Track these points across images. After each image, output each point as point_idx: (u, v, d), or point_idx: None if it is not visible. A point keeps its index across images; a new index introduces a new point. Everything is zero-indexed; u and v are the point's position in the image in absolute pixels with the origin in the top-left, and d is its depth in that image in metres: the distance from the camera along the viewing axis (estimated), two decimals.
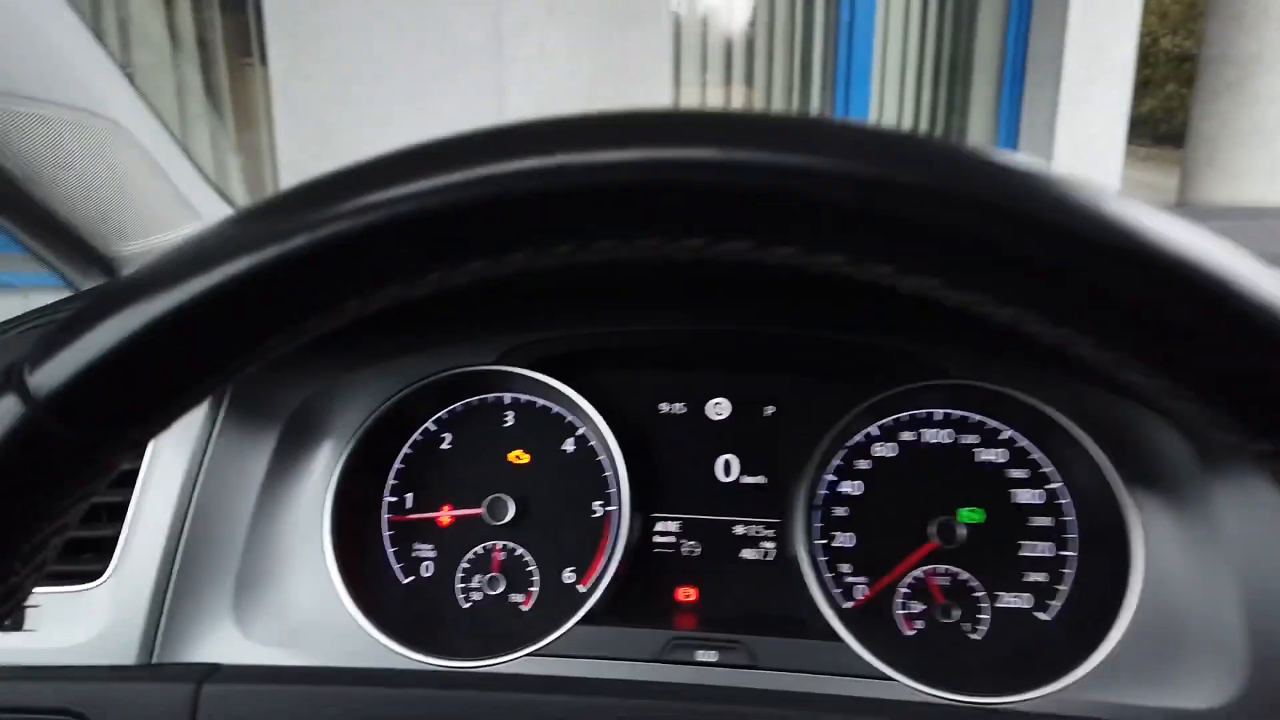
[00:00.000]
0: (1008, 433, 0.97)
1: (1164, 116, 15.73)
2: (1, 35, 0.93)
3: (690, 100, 6.27)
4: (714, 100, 6.37)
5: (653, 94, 5.60)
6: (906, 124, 6.31)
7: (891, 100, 6.17)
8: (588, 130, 0.31)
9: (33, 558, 0.37)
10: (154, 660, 0.89)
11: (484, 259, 0.33)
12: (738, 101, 6.35)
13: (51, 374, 0.32)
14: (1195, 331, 0.29)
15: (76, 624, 0.89)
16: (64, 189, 1.08)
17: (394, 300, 0.34)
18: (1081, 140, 5.81)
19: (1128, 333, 0.31)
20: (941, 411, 0.99)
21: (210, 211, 1.37)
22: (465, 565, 1.03)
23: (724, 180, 0.30)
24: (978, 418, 0.98)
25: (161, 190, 1.26)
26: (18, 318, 1.04)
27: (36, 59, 0.99)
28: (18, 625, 0.37)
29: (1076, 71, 5.59)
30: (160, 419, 0.35)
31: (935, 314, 0.94)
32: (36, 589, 0.38)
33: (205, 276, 0.31)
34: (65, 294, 1.30)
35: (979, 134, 6.33)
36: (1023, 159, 0.30)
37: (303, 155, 5.54)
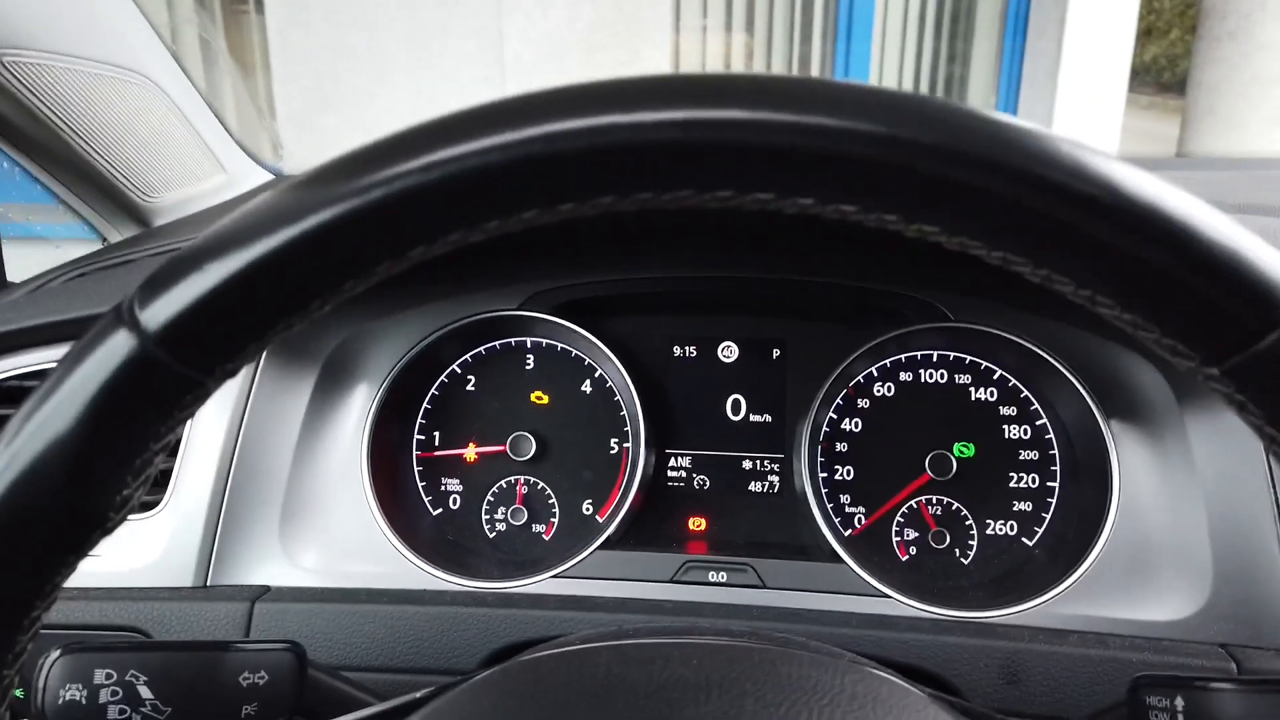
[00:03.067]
0: (999, 372, 1.04)
1: (1167, 64, 15.54)
2: None
3: (690, 48, 6.22)
4: (713, 47, 6.31)
5: (652, 41, 5.56)
6: (909, 73, 6.27)
7: (893, 50, 6.13)
8: (634, 92, 0.36)
9: (142, 473, 0.42)
10: (209, 583, 0.96)
11: (539, 208, 0.38)
12: (737, 49, 6.29)
13: (160, 311, 0.36)
14: (1152, 268, 0.35)
15: (137, 551, 0.96)
16: (101, 142, 1.13)
17: (455, 246, 0.39)
18: (1083, 89, 5.78)
19: (1096, 272, 0.36)
20: (938, 353, 1.05)
21: (234, 165, 1.42)
22: (490, 498, 1.10)
23: (751, 138, 0.35)
24: (971, 358, 1.04)
25: (190, 144, 1.31)
26: (77, 260, 1.09)
27: (77, 17, 1.03)
28: (98, 541, 0.43)
29: (1078, 20, 5.54)
30: (251, 351, 0.40)
31: (934, 261, 1.00)
32: None
33: (296, 225, 0.36)
34: (96, 245, 1.35)
35: (981, 84, 6.30)
36: (1015, 120, 0.36)
37: (300, 104, 5.51)
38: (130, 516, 0.96)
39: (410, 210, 0.36)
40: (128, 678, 0.64)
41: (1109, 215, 0.34)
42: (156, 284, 0.38)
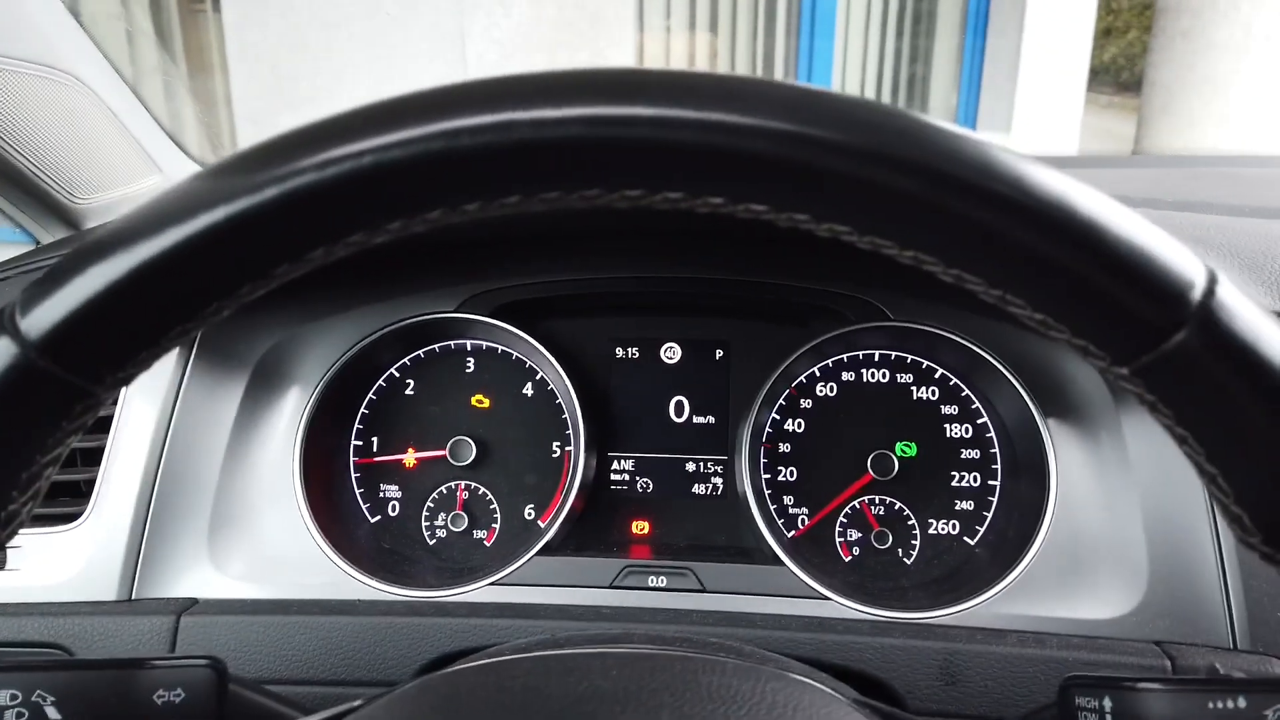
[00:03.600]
0: (940, 371, 1.03)
1: (1125, 64, 15.79)
2: None
3: (653, 47, 6.22)
4: (677, 46, 6.32)
5: (615, 41, 5.55)
6: (871, 72, 6.31)
7: (855, 49, 6.17)
8: (540, 88, 0.35)
9: (29, 487, 0.40)
10: (133, 596, 0.93)
11: (443, 208, 0.36)
12: (701, 48, 6.30)
13: (42, 317, 0.35)
14: (1060, 268, 0.34)
15: (58, 564, 0.93)
16: (27, 142, 1.10)
17: (358, 248, 0.38)
18: (1043, 88, 5.86)
19: (1006, 272, 0.36)
20: (880, 352, 1.05)
21: (169, 164, 1.39)
22: (430, 504, 1.08)
23: (657, 135, 0.34)
24: (913, 358, 1.04)
25: (122, 143, 1.27)
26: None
27: (3, 18, 1.00)
28: (0, 564, 0.40)
29: (1037, 20, 5.61)
30: (144, 358, 0.38)
31: (874, 262, 1.00)
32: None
33: (185, 226, 0.34)
34: (28, 247, 1.31)
35: (942, 83, 6.36)
36: (924, 118, 0.35)
37: (259, 104, 5.44)
38: (51, 528, 0.93)
39: (306, 210, 0.35)
40: (34, 698, 0.62)
41: (1016, 214, 0.34)
42: (39, 290, 0.36)
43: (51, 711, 0.61)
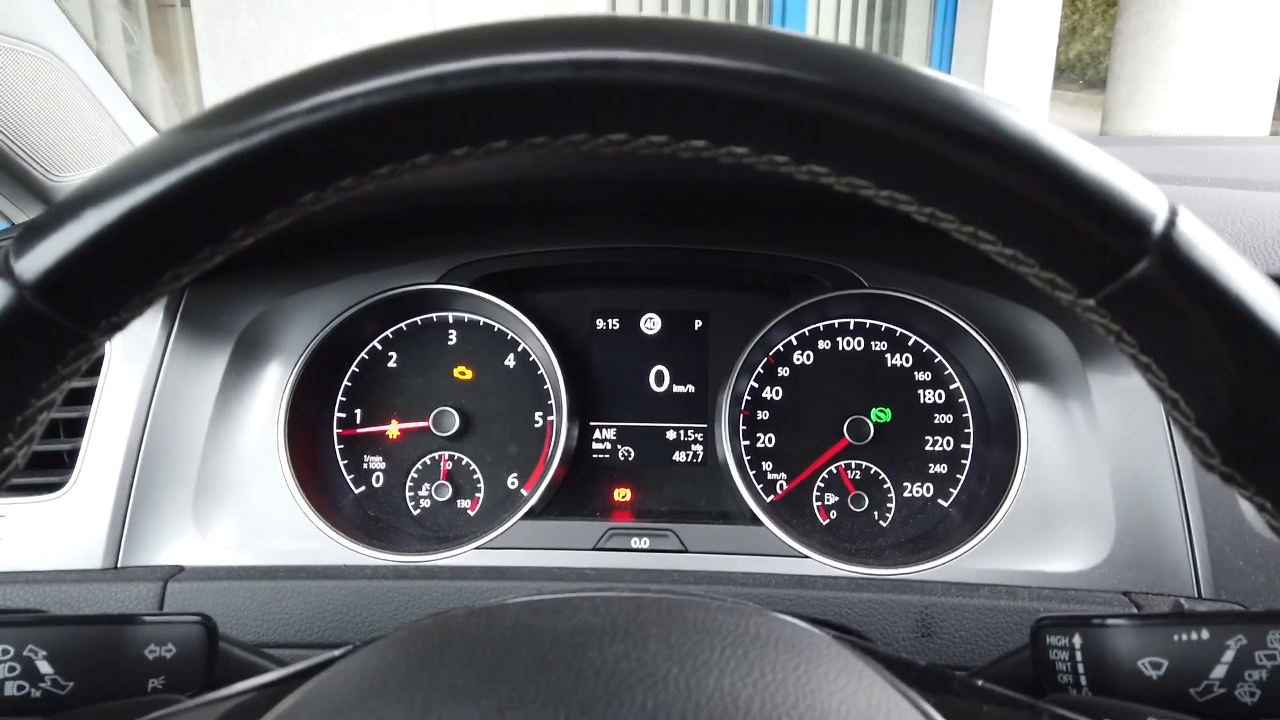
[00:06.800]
0: (914, 339, 1.06)
1: (1091, 61, 16.02)
2: None
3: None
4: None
5: (587, 7, 5.56)
6: None
7: (826, 37, 6.23)
8: (526, 33, 0.36)
9: (24, 431, 0.41)
10: (119, 565, 0.93)
11: (431, 153, 0.37)
12: None
13: (37, 260, 0.35)
14: (1028, 201, 0.36)
15: (43, 532, 0.93)
16: (4, 118, 1.09)
17: (349, 194, 0.38)
18: (1010, 82, 5.93)
19: (977, 208, 0.37)
20: (855, 320, 1.07)
21: (142, 140, 1.38)
22: (414, 475, 1.09)
23: (646, 78, 0.35)
24: (887, 325, 1.07)
25: (98, 121, 1.27)
26: None
27: None
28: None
29: (1003, 16, 5.68)
30: (137, 303, 0.39)
31: (849, 231, 1.02)
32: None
33: (178, 169, 0.35)
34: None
35: None
36: (896, 61, 0.36)
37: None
38: (35, 497, 0.92)
39: (295, 154, 0.35)
40: (26, 652, 0.62)
41: (989, 151, 0.35)
42: (33, 233, 0.36)
43: (43, 665, 0.62)
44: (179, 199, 0.36)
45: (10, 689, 0.61)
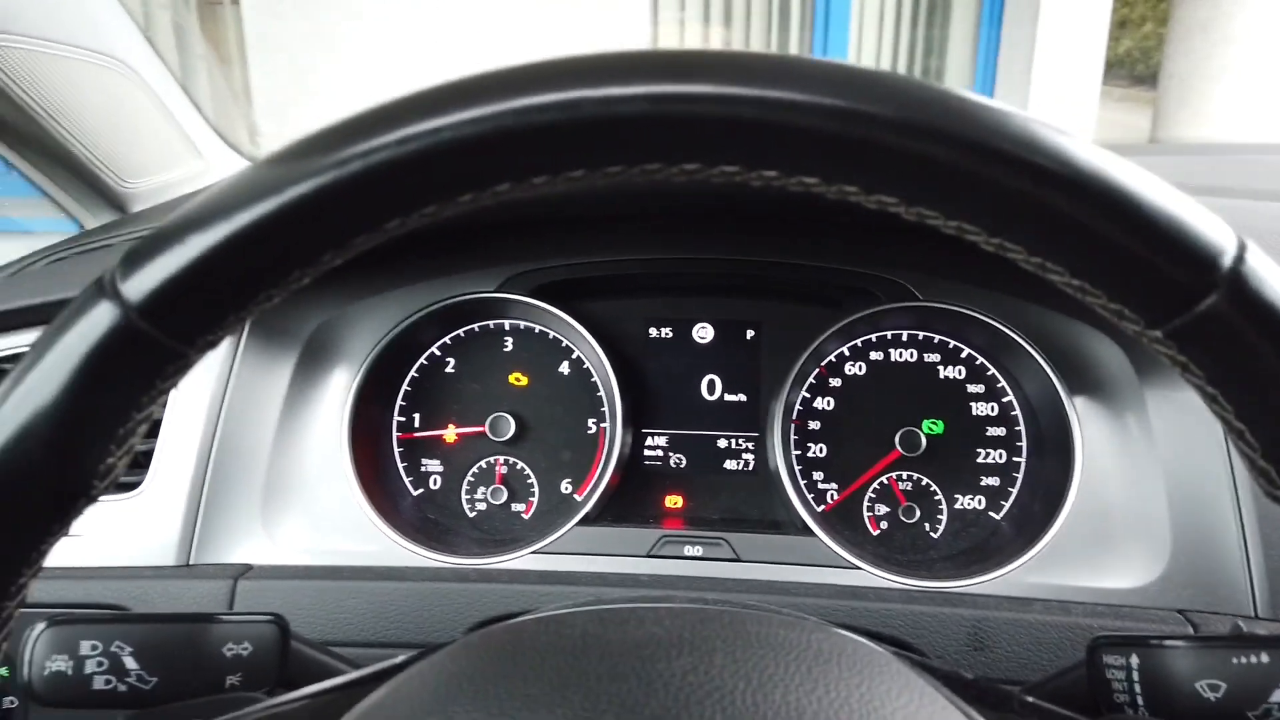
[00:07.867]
0: (967, 351, 1.06)
1: (1141, 56, 15.68)
2: None
3: (668, 38, 6.22)
4: (691, 39, 6.32)
5: (630, 31, 5.56)
6: (885, 64, 6.31)
7: (870, 40, 6.16)
8: (605, 66, 0.37)
9: (125, 442, 0.43)
10: (191, 562, 0.97)
11: (511, 182, 0.39)
12: (715, 40, 6.31)
13: (142, 283, 0.37)
14: (1098, 234, 0.36)
15: (120, 531, 0.97)
16: (78, 126, 1.14)
17: (431, 220, 0.40)
18: (1058, 81, 5.84)
19: (1046, 240, 0.38)
20: (907, 332, 1.08)
21: (211, 152, 1.42)
22: (470, 478, 1.12)
23: (722, 112, 0.37)
24: (940, 338, 1.07)
25: (167, 130, 1.31)
26: (55, 245, 1.09)
27: (59, 4, 1.04)
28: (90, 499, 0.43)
29: (1052, 12, 5.59)
30: (232, 322, 0.41)
31: (902, 243, 1.03)
32: None
33: (275, 198, 0.37)
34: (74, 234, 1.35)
35: (957, 76, 6.34)
36: (970, 94, 0.37)
37: (278, 94, 5.48)
38: (112, 496, 0.96)
39: (385, 183, 0.37)
40: (113, 649, 0.65)
41: (1057, 183, 0.36)
42: (138, 256, 0.38)
43: (129, 661, 0.65)
44: (275, 226, 0.38)
45: (99, 683, 0.64)
